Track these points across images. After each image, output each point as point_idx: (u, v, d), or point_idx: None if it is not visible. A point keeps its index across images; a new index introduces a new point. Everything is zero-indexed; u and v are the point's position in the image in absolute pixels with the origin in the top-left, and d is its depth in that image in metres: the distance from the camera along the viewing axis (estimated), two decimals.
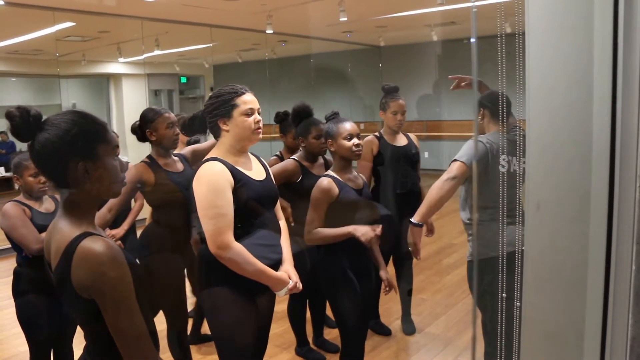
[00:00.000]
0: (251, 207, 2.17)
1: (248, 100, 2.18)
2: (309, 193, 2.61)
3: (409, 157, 3.60)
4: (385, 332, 3.89)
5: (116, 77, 9.07)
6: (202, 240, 2.19)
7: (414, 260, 3.78)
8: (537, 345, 1.01)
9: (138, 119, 2.97)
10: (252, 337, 2.24)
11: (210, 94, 2.26)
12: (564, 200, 0.95)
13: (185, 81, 10.74)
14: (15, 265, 2.70)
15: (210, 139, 2.82)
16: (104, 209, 2.75)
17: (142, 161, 2.91)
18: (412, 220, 2.63)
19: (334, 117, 2.70)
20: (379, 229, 2.50)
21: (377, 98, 3.73)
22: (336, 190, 2.54)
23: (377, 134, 3.64)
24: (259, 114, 2.21)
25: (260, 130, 2.21)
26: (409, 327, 3.92)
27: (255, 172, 2.25)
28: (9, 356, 3.75)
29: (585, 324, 0.93)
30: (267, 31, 7.08)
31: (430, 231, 3.71)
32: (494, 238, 2.46)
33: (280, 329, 3.97)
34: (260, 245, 2.17)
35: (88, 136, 1.37)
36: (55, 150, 1.34)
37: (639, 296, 0.88)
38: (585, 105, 0.91)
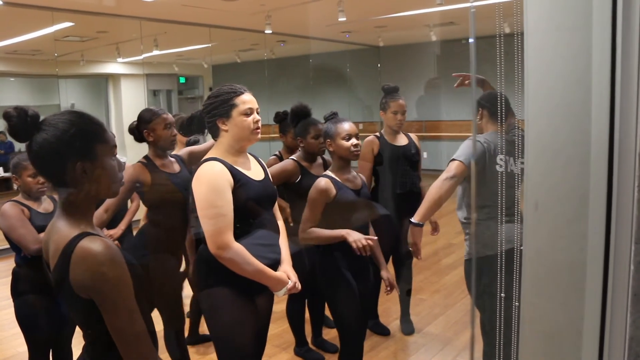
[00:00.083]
0: (250, 207, 2.17)
1: (247, 100, 2.18)
2: (308, 193, 2.61)
3: (409, 157, 3.61)
4: (384, 332, 3.90)
5: (115, 77, 9.07)
6: (201, 240, 2.19)
7: (413, 260, 3.79)
8: (535, 345, 1.01)
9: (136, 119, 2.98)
10: (251, 337, 2.24)
11: (209, 94, 2.26)
12: (563, 201, 0.95)
13: (184, 81, 10.73)
14: (14, 265, 2.70)
15: (209, 139, 2.82)
16: (101, 209, 2.75)
17: (138, 161, 2.91)
18: (412, 220, 2.64)
19: (332, 117, 2.71)
20: (372, 239, 2.50)
21: (376, 98, 3.73)
22: (333, 190, 2.54)
23: (377, 134, 3.65)
24: (257, 113, 2.21)
25: (259, 130, 2.21)
26: (407, 327, 3.92)
27: (254, 172, 2.25)
28: (7, 356, 3.74)
29: (583, 324, 0.93)
30: (266, 31, 7.07)
31: (435, 229, 3.72)
32: (490, 237, 2.48)
33: (279, 329, 3.97)
34: (259, 245, 2.17)
35: (86, 136, 1.37)
36: (53, 151, 1.34)
37: (638, 296, 0.88)
38: (583, 106, 0.91)
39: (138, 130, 2.93)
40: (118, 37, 7.96)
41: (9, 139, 9.00)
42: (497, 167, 2.47)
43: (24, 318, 2.65)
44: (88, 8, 6.16)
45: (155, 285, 2.88)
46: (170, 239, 2.99)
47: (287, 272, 2.24)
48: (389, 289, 2.74)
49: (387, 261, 3.47)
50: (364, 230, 2.59)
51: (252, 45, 9.32)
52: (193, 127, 2.70)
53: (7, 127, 1.35)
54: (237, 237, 2.10)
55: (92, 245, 1.31)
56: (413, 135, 3.74)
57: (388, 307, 4.23)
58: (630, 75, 0.86)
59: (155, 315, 2.90)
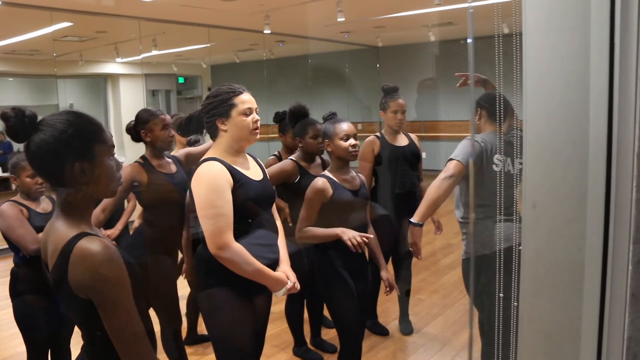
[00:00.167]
0: (249, 207, 2.16)
1: (246, 99, 2.18)
2: None
3: (410, 158, 3.61)
4: (382, 332, 3.90)
5: (114, 77, 9.06)
6: (199, 240, 2.19)
7: (412, 260, 3.79)
8: (534, 344, 1.01)
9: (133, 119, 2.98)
10: (250, 337, 2.24)
11: (207, 94, 2.26)
12: (561, 201, 0.95)
13: (182, 81, 10.72)
14: (12, 265, 2.70)
15: (208, 139, 2.82)
16: (98, 209, 2.75)
17: (135, 161, 2.91)
18: (412, 220, 2.64)
19: (331, 117, 2.71)
20: (368, 236, 2.50)
21: (375, 98, 3.74)
22: (330, 190, 2.54)
23: (378, 134, 3.65)
24: (257, 113, 2.21)
25: (258, 130, 2.21)
26: (406, 327, 3.92)
27: (253, 172, 2.25)
28: (6, 357, 3.74)
29: (582, 324, 0.93)
30: (265, 31, 7.07)
31: (439, 229, 3.73)
32: (487, 236, 2.48)
33: (277, 329, 3.97)
34: (258, 245, 2.16)
35: (84, 136, 1.37)
36: (51, 151, 1.34)
37: (636, 296, 0.89)
38: (582, 106, 0.91)
39: (135, 130, 2.93)
40: (117, 37, 7.96)
41: (8, 139, 8.98)
42: (494, 167, 2.48)
43: (22, 318, 2.65)
44: (87, 8, 6.15)
45: (151, 285, 2.88)
46: (167, 239, 2.99)
47: (286, 272, 2.24)
48: (388, 289, 2.74)
49: (386, 261, 3.48)
50: (362, 231, 2.59)
51: (251, 45, 9.32)
52: (191, 127, 2.69)
53: (5, 128, 1.34)
54: (236, 237, 2.09)
55: (91, 245, 1.31)
56: (413, 136, 3.74)
57: (387, 307, 4.23)
58: (628, 76, 0.86)
59: (153, 316, 2.91)
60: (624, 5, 0.86)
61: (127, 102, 8.77)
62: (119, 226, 3.52)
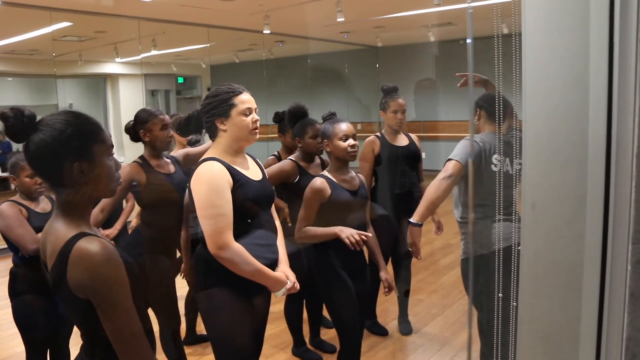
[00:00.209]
0: (249, 207, 2.16)
1: (246, 99, 2.18)
2: None
3: (410, 158, 3.61)
4: (382, 332, 3.90)
5: (113, 77, 9.06)
6: (199, 240, 2.19)
7: (412, 260, 3.79)
8: (533, 344, 1.01)
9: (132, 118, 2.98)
10: (249, 338, 2.24)
11: (207, 93, 2.26)
12: (561, 201, 0.95)
13: (182, 81, 10.73)
14: (11, 265, 2.70)
15: (207, 138, 2.83)
16: (97, 209, 2.74)
17: (134, 161, 2.91)
18: (411, 220, 2.64)
19: (330, 117, 2.71)
20: (367, 234, 2.50)
21: (375, 98, 3.75)
22: (328, 190, 2.54)
23: (378, 134, 3.65)
24: (256, 113, 2.21)
25: (257, 130, 2.20)
26: (405, 328, 3.93)
27: (252, 172, 2.24)
28: (5, 357, 3.74)
29: (581, 324, 0.94)
30: (264, 31, 7.07)
31: (439, 229, 3.73)
32: (485, 235, 2.49)
33: (277, 329, 3.97)
34: (257, 245, 2.16)
35: (83, 136, 1.37)
36: (50, 151, 1.34)
37: (635, 296, 0.89)
38: (581, 106, 0.91)
39: (134, 130, 2.93)
40: (116, 37, 7.96)
41: (7, 139, 8.97)
42: (493, 167, 2.49)
43: (21, 318, 2.64)
44: (86, 8, 6.15)
45: (150, 285, 2.88)
46: (165, 239, 2.99)
47: (285, 272, 2.24)
48: (387, 290, 2.74)
49: (386, 262, 3.48)
50: (361, 231, 2.59)
51: (250, 46, 9.32)
52: (190, 127, 2.69)
53: (4, 128, 1.34)
54: (235, 237, 2.09)
55: (90, 246, 1.31)
56: (414, 136, 3.74)
57: (386, 308, 4.23)
58: (627, 76, 0.87)
59: (152, 316, 2.91)
60: (623, 6, 0.86)
61: (127, 102, 8.78)
62: (117, 226, 3.52)
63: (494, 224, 2.43)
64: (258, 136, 2.21)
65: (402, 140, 3.64)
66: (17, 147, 7.94)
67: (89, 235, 1.34)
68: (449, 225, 3.67)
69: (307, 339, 3.69)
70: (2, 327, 4.13)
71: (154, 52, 8.13)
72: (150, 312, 2.94)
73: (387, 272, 2.77)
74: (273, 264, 2.22)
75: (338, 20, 6.50)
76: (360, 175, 2.78)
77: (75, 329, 2.55)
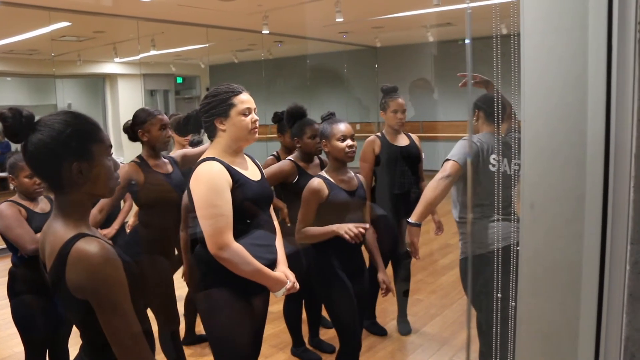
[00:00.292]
0: (248, 207, 2.16)
1: (245, 99, 2.17)
2: None
3: (410, 158, 3.61)
4: (381, 332, 3.90)
5: (112, 77, 9.06)
6: (198, 241, 2.18)
7: (411, 260, 3.79)
8: (532, 344, 1.01)
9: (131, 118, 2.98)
10: (248, 338, 2.24)
11: (206, 93, 2.25)
12: (559, 201, 0.95)
13: (181, 81, 10.73)
14: (10, 265, 2.70)
15: (206, 138, 2.82)
16: (95, 210, 2.74)
17: (132, 161, 2.91)
18: (410, 220, 2.65)
19: (329, 117, 2.70)
20: (364, 226, 2.49)
21: (374, 99, 3.76)
22: (326, 191, 2.54)
23: (379, 133, 3.65)
24: (255, 113, 2.21)
25: (256, 130, 2.20)
26: (404, 328, 3.93)
27: (251, 172, 2.24)
28: (4, 357, 3.73)
29: (579, 324, 0.94)
30: (263, 32, 7.07)
31: (440, 229, 3.73)
32: (483, 235, 2.49)
33: (276, 329, 3.97)
34: (256, 245, 2.16)
35: (81, 136, 1.37)
36: (49, 151, 1.34)
37: (634, 296, 0.89)
38: (580, 107, 0.92)
39: (132, 130, 2.93)
40: (115, 37, 7.96)
41: (5, 139, 8.95)
42: (490, 167, 2.49)
43: (20, 318, 2.64)
44: (85, 8, 6.15)
45: (148, 286, 2.88)
46: (163, 239, 2.98)
47: (284, 272, 2.24)
48: (384, 291, 2.74)
49: (387, 262, 3.48)
50: None
51: (249, 46, 9.33)
52: (189, 126, 2.69)
53: (2, 128, 1.34)
54: (235, 237, 2.09)
55: (88, 247, 1.31)
56: (414, 136, 3.74)
57: (385, 308, 4.23)
58: (626, 77, 0.87)
59: (151, 316, 2.91)
60: (621, 6, 0.86)
61: (126, 102, 8.78)
62: (115, 226, 3.51)
63: (493, 224, 2.44)
64: (257, 136, 2.21)
65: (403, 140, 3.65)
66: (15, 147, 7.95)
67: (87, 236, 1.34)
68: (448, 226, 3.67)
69: (306, 339, 3.69)
70: (1, 327, 4.13)
71: (152, 52, 8.13)
72: (150, 312, 2.95)
73: (385, 274, 2.77)
74: (272, 265, 2.22)
75: (337, 20, 6.50)
76: (359, 175, 2.78)
77: (74, 328, 2.55)
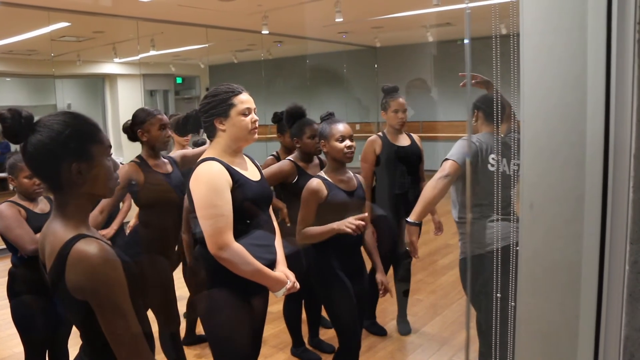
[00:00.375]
0: (248, 207, 2.16)
1: (245, 99, 2.17)
2: None
3: (411, 158, 3.61)
4: (380, 332, 3.90)
5: (111, 78, 9.05)
6: (198, 241, 2.18)
7: (412, 260, 3.80)
8: (531, 344, 1.01)
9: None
10: (248, 338, 2.24)
11: (206, 93, 2.25)
12: (559, 201, 0.95)
13: (180, 82, 10.72)
14: (10, 265, 2.70)
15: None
16: (96, 211, 2.74)
17: (131, 161, 2.91)
18: (409, 219, 2.65)
19: (328, 117, 2.70)
20: (363, 216, 2.48)
21: (373, 99, 3.77)
22: (325, 191, 2.54)
23: (380, 133, 3.65)
24: (255, 113, 2.21)
25: (256, 130, 2.20)
26: (404, 328, 3.93)
27: (251, 172, 2.24)
28: (4, 357, 3.73)
29: (579, 324, 0.94)
30: (263, 32, 7.07)
31: (439, 229, 3.73)
32: (482, 235, 2.49)
33: (276, 330, 3.97)
34: (256, 245, 2.16)
35: (81, 137, 1.37)
36: (48, 152, 1.34)
37: (633, 296, 0.89)
38: (579, 107, 0.92)
39: (132, 130, 2.93)
40: (114, 37, 7.95)
41: (5, 139, 8.93)
42: (489, 167, 2.49)
43: (20, 318, 2.64)
44: (84, 8, 6.15)
45: (148, 286, 2.88)
46: (163, 239, 2.98)
47: (284, 272, 2.24)
48: (381, 292, 2.74)
49: (389, 263, 3.48)
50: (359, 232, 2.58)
51: (249, 46, 9.32)
52: (188, 126, 2.69)
53: (2, 129, 1.34)
54: (234, 237, 2.09)
55: (88, 248, 1.31)
56: (415, 136, 3.74)
57: (385, 308, 4.23)
58: (625, 77, 0.87)
59: (151, 317, 2.91)
60: (620, 6, 0.86)
61: (125, 102, 8.77)
62: (114, 226, 3.51)
63: (492, 224, 2.44)
64: (257, 136, 2.21)
65: (404, 141, 3.64)
66: (15, 147, 7.95)
67: (87, 237, 1.34)
68: (448, 226, 3.67)
69: (306, 339, 3.69)
70: (0, 328, 4.13)
71: (152, 53, 8.12)
72: (150, 312, 2.94)
73: (383, 274, 2.77)
74: (271, 265, 2.22)
75: (336, 20, 6.50)
76: (358, 175, 2.78)
77: (74, 329, 2.55)
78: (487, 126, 2.62)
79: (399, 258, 3.77)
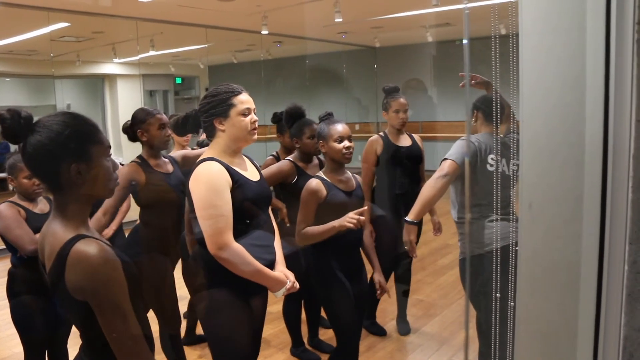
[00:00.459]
0: (247, 207, 2.16)
1: (245, 100, 2.17)
2: None
3: (412, 158, 3.61)
4: (380, 332, 3.90)
5: (111, 78, 9.05)
6: (198, 241, 2.18)
7: (412, 260, 3.80)
8: (531, 344, 1.01)
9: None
10: (248, 339, 2.24)
11: (205, 93, 2.25)
12: (558, 201, 0.95)
13: (180, 82, 10.72)
14: (9, 266, 2.70)
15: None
16: (99, 213, 2.73)
17: (132, 161, 2.91)
18: (407, 218, 2.65)
19: (327, 117, 2.70)
20: (362, 210, 2.47)
21: (373, 99, 3.77)
22: (324, 191, 2.53)
23: (381, 133, 3.65)
24: (255, 114, 2.21)
25: (256, 130, 2.20)
26: (404, 328, 3.93)
27: (251, 172, 2.24)
28: (4, 357, 3.73)
29: (578, 324, 0.94)
30: (262, 32, 7.07)
31: (439, 230, 3.73)
32: (482, 235, 2.49)
33: (275, 330, 3.97)
34: (255, 245, 2.16)
35: (80, 137, 1.37)
36: (47, 152, 1.34)
37: (632, 296, 0.89)
38: (578, 107, 0.92)
39: (132, 130, 2.93)
40: (114, 38, 7.96)
41: (4, 140, 8.92)
42: (488, 167, 2.50)
43: (19, 319, 2.64)
44: (84, 8, 6.15)
45: (149, 286, 2.88)
46: (163, 239, 2.98)
47: (284, 272, 2.24)
48: (379, 292, 2.74)
49: (390, 264, 3.48)
50: (358, 233, 2.58)
51: (248, 46, 9.32)
52: (188, 126, 2.69)
53: (1, 129, 1.34)
54: (234, 237, 2.09)
55: (88, 248, 1.31)
56: (416, 136, 3.74)
57: (384, 308, 4.23)
58: (624, 77, 0.87)
59: (152, 316, 2.91)
60: (619, 7, 0.86)
61: (125, 102, 8.77)
62: (113, 226, 3.51)
63: (491, 224, 2.44)
64: (256, 137, 2.21)
65: (405, 141, 3.64)
66: (15, 147, 7.93)
67: (86, 237, 1.34)
68: (447, 226, 3.67)
69: (305, 339, 3.69)
70: (0, 328, 4.13)
71: (152, 53, 8.13)
72: (150, 312, 2.94)
73: (381, 275, 2.76)
74: (271, 265, 2.22)
75: (336, 20, 6.50)
76: (357, 176, 2.78)
77: (74, 329, 2.55)
78: (486, 126, 2.63)
79: (399, 258, 3.77)
